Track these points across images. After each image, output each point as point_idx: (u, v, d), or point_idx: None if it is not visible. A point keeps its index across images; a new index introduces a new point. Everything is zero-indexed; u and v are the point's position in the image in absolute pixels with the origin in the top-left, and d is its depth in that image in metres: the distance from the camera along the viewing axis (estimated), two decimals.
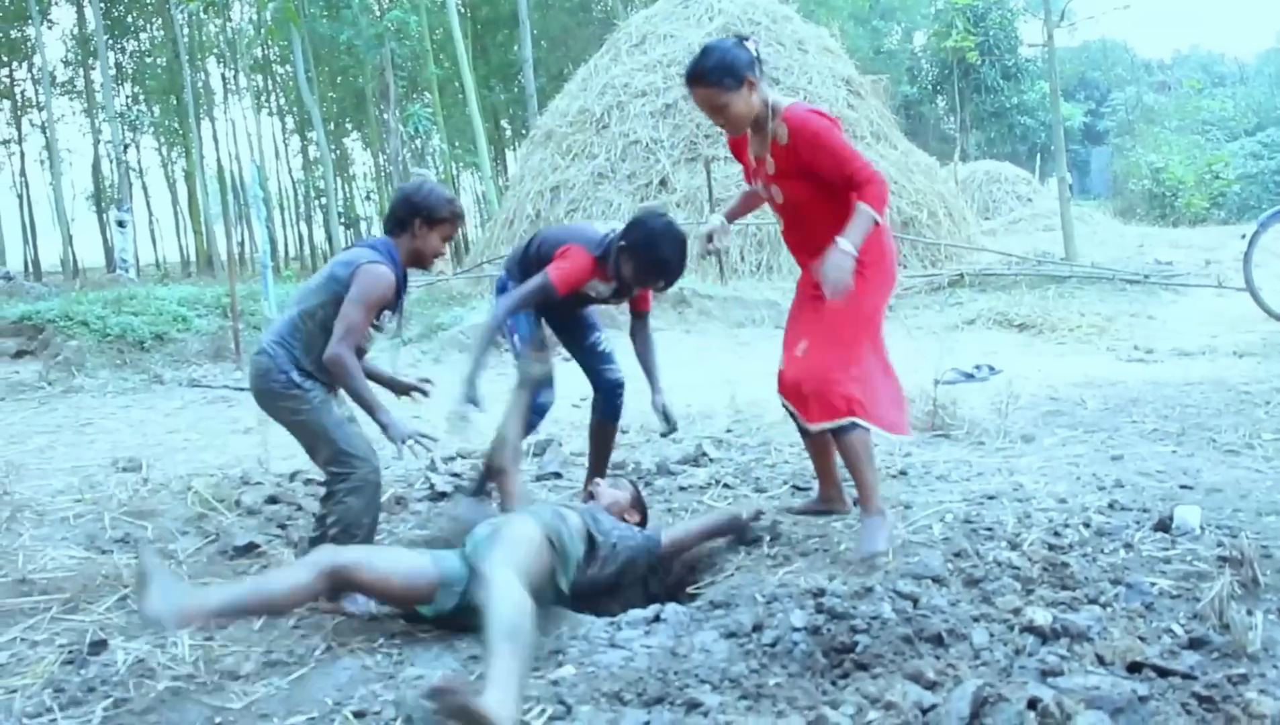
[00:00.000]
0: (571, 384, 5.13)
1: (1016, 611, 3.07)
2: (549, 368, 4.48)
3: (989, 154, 38.17)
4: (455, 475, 5.42)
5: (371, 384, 3.87)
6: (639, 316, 4.82)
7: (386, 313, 3.88)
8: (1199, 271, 14.33)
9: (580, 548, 3.56)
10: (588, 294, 4.62)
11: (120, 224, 22.95)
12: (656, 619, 3.23)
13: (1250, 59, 59.67)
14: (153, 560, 3.00)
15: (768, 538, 4.11)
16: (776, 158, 3.98)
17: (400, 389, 4.22)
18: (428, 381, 4.30)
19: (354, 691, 2.87)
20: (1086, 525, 4.03)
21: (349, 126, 42.24)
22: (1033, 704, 2.43)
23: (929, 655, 2.80)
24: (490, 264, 16.55)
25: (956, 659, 2.77)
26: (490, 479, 4.41)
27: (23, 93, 38.77)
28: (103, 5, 32.24)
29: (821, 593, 3.22)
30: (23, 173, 39.17)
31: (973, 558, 3.67)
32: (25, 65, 37.70)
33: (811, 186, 3.95)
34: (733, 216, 4.52)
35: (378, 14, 27.32)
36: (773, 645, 2.91)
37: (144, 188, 41.63)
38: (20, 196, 38.83)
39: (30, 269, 35.54)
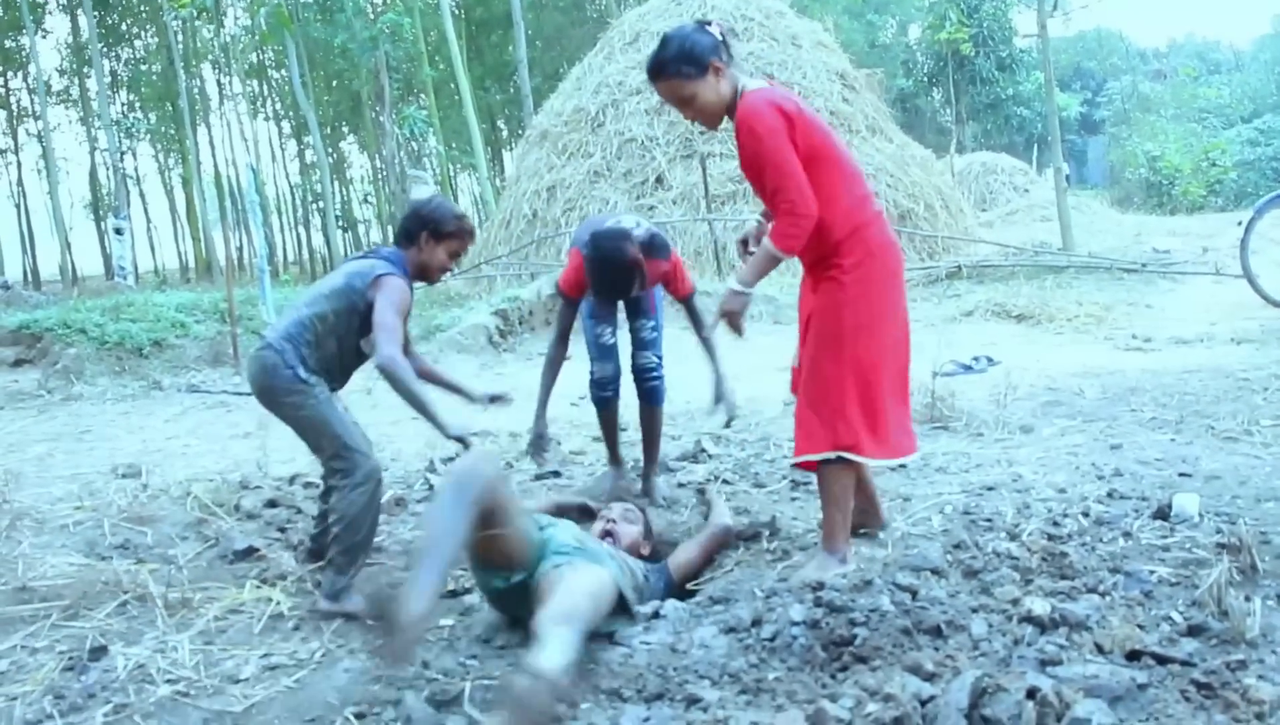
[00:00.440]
0: (569, 383, 5.12)
1: (1015, 602, 3.06)
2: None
3: (986, 145, 38.14)
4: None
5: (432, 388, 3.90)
6: (682, 302, 4.83)
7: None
8: (1196, 259, 14.33)
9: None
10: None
11: (118, 232, 22.92)
12: (656, 615, 3.23)
13: (1246, 45, 59.75)
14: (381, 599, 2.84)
15: (766, 533, 4.11)
16: (738, 147, 3.65)
17: (474, 398, 4.28)
18: (502, 397, 4.37)
19: (354, 693, 2.88)
20: (1085, 514, 4.04)
21: (345, 130, 42.23)
22: (1031, 693, 2.42)
23: (928, 647, 2.80)
24: (488, 264, 16.56)
25: (955, 650, 2.76)
26: None
27: (18, 102, 38.82)
28: (96, 13, 32.22)
29: (820, 586, 3.22)
30: (20, 182, 39.17)
31: (972, 549, 3.67)
32: (20, 75, 37.74)
33: (758, 183, 3.63)
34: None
35: (372, 17, 27.28)
36: (772, 640, 2.91)
37: (141, 195, 41.61)
38: (18, 206, 38.83)
39: (29, 278, 35.53)
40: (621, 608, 3.30)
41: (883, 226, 3.73)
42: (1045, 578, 3.31)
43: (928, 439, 5.70)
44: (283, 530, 4.56)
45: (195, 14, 29.31)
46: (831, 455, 3.60)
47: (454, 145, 35.48)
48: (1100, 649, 2.75)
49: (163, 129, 38.92)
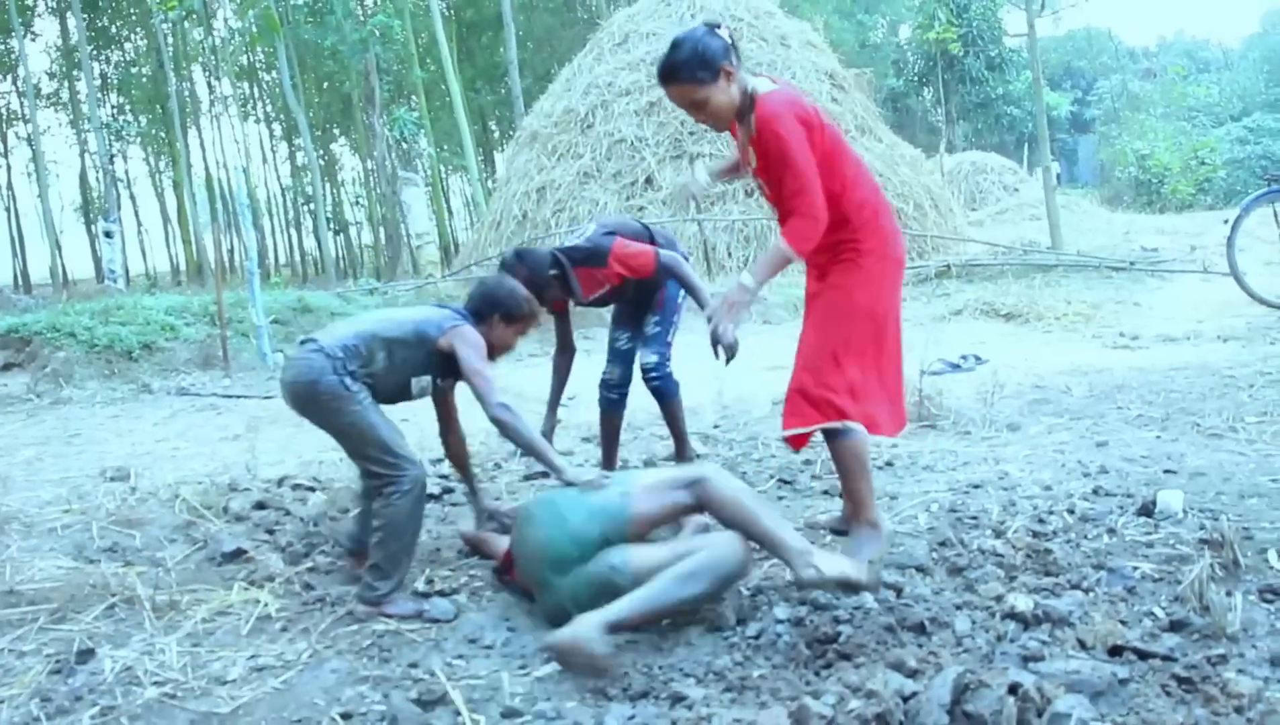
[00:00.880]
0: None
1: (999, 598, 3.09)
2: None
3: (976, 145, 38.23)
4: (443, 477, 5.43)
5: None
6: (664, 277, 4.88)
7: (426, 378, 3.93)
8: (1184, 257, 14.38)
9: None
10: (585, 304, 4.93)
11: (108, 235, 22.87)
12: None
13: (1235, 44, 59.89)
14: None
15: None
16: (755, 149, 3.70)
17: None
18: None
19: (341, 693, 2.89)
20: (1071, 512, 4.06)
21: (336, 132, 42.18)
22: (1013, 689, 2.44)
23: (911, 644, 2.82)
24: (478, 266, 16.56)
25: (939, 647, 2.78)
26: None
27: (7, 105, 38.67)
28: (86, 16, 32.16)
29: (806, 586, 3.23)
30: (9, 186, 39.05)
31: (957, 546, 3.70)
32: (9, 77, 37.61)
33: (778, 184, 3.66)
34: (718, 175, 4.24)
35: (362, 19, 27.25)
36: (756, 638, 2.93)
37: (132, 198, 41.54)
38: (7, 209, 38.68)
39: (18, 281, 35.43)
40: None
41: (892, 216, 3.87)
42: (1029, 574, 3.34)
43: (915, 437, 5.73)
44: (271, 532, 4.56)
45: (184, 15, 29.29)
46: (838, 425, 3.66)
47: (445, 147, 35.44)
48: (1082, 644, 2.77)
49: (153, 131, 38.81)
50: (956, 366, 7.88)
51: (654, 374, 4.91)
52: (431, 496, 5.09)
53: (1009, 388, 6.77)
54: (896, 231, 3.85)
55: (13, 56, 34.24)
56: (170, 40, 32.50)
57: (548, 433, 4.99)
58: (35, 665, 3.13)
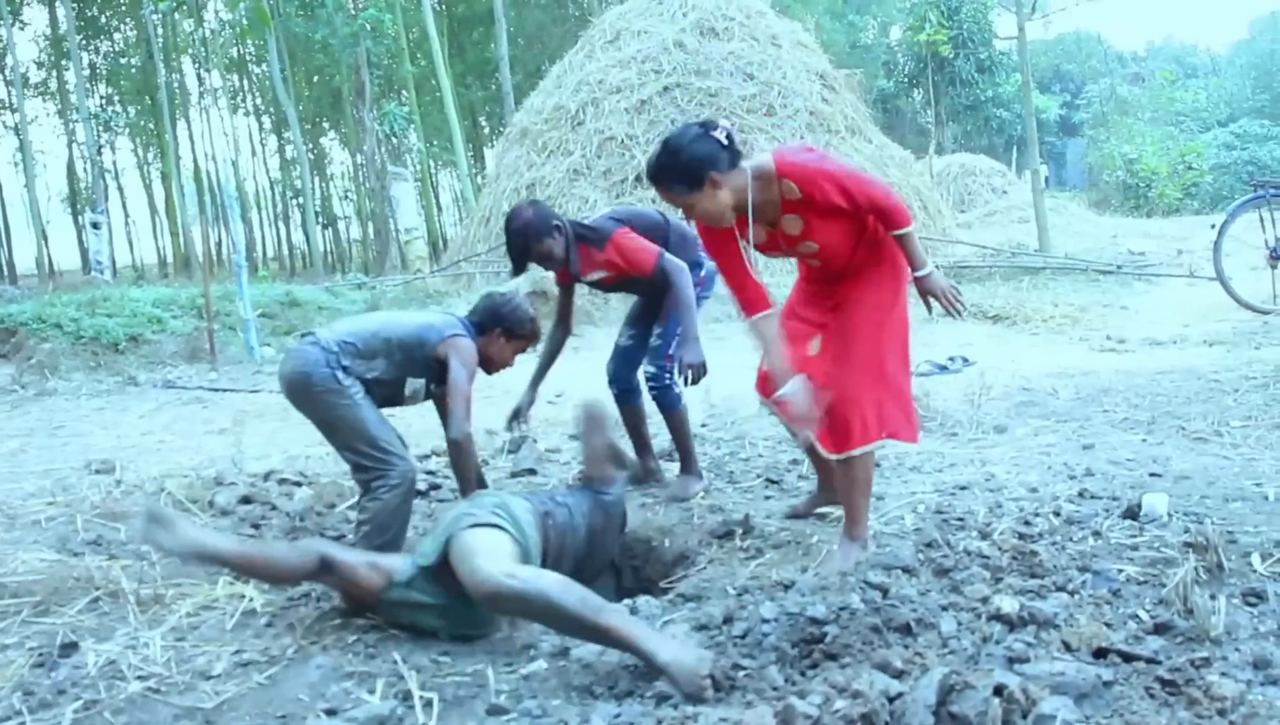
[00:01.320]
0: (550, 379, 5.13)
1: (985, 600, 3.09)
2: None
3: (965, 147, 38.27)
4: (430, 473, 5.42)
5: None
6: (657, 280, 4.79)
7: (420, 382, 3.94)
8: (1171, 261, 14.44)
9: (534, 534, 3.41)
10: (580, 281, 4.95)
11: (95, 226, 22.74)
12: (630, 612, 3.24)
13: (1223, 50, 60.18)
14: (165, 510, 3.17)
15: (740, 531, 4.13)
16: (798, 213, 3.61)
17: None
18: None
19: (326, 689, 2.88)
20: (1057, 514, 4.07)
21: (325, 126, 42.07)
22: (998, 690, 2.44)
23: (897, 644, 2.82)
24: (467, 262, 16.54)
25: (924, 648, 2.79)
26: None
27: None
28: (75, 5, 32.02)
29: (792, 585, 3.24)
30: None
31: (943, 548, 3.70)
32: None
33: (842, 222, 3.65)
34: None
35: (353, 12, 27.17)
36: (743, 637, 2.93)
37: (120, 189, 41.33)
38: None
39: (4, 272, 35.24)
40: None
41: None
42: (1015, 576, 3.34)
43: None
44: (256, 527, 4.56)
45: (175, 7, 29.19)
46: (861, 451, 3.70)
47: (435, 142, 35.40)
48: (1067, 647, 2.77)
49: (141, 123, 38.68)
50: (944, 368, 7.91)
51: (653, 385, 4.91)
52: (418, 492, 5.08)
53: (996, 389, 6.79)
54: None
55: (1, 45, 34.07)
56: (160, 31, 32.36)
57: (525, 406, 4.93)
58: (18, 658, 3.12)
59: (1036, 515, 4.07)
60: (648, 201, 15.31)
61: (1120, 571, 3.32)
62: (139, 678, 2.96)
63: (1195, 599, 2.90)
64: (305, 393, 3.72)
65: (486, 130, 40.73)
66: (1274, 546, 3.45)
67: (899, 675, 2.62)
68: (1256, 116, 38.13)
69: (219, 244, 35.30)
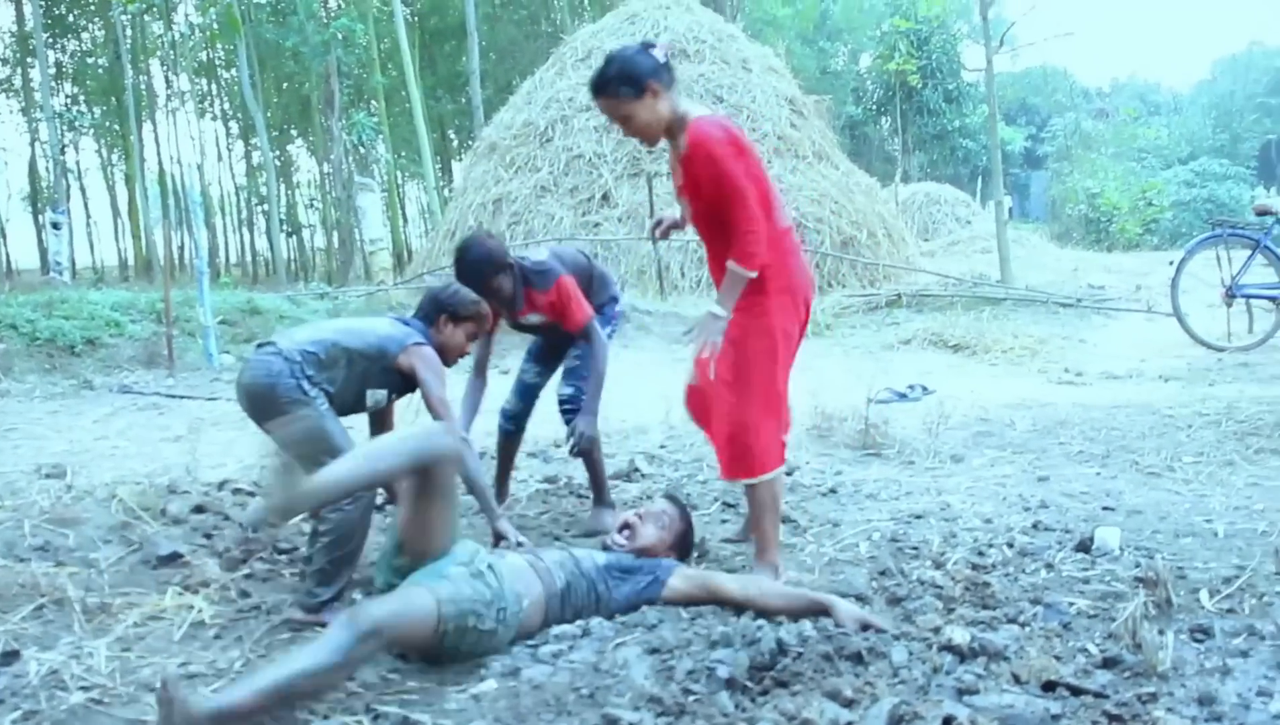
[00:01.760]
0: (504, 397, 5.11)
1: (936, 630, 3.11)
2: None
3: (931, 176, 38.57)
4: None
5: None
6: (579, 336, 4.78)
7: (382, 393, 3.92)
8: (1130, 296, 14.58)
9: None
10: (515, 323, 4.87)
11: (55, 226, 22.51)
12: (584, 634, 3.24)
13: (1185, 89, 61.09)
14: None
15: (695, 555, 4.12)
16: (682, 169, 3.80)
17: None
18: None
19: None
20: (1010, 545, 4.11)
21: (293, 133, 41.85)
22: (947, 722, 2.46)
23: (848, 673, 2.82)
24: (431, 275, 16.48)
25: (875, 677, 2.79)
26: None
27: None
28: (43, 3, 31.75)
29: (745, 610, 3.24)
30: None
31: (897, 576, 3.72)
32: None
33: (708, 204, 3.78)
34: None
35: (325, 21, 27.09)
36: (695, 662, 2.92)
37: (82, 190, 40.91)
38: None
39: None
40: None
41: (801, 256, 3.99)
42: (967, 607, 3.36)
43: (860, 465, 5.77)
44: (209, 537, 4.50)
45: (145, 8, 29.00)
46: (765, 478, 3.79)
47: (403, 154, 35.30)
48: (1017, 679, 2.79)
49: (107, 124, 38.32)
50: (903, 396, 7.94)
51: (569, 407, 4.76)
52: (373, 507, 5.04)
53: (954, 419, 6.83)
54: (805, 271, 3.97)
55: None
56: (129, 32, 32.12)
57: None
58: None
59: (990, 546, 4.10)
60: (614, 220, 15.35)
61: (1071, 604, 3.34)
62: (81, 688, 2.92)
63: (1144, 634, 2.93)
64: (269, 403, 3.67)
65: (455, 143, 40.69)
66: (1222, 583, 3.49)
67: (849, 704, 2.62)
68: (1216, 156, 38.72)
69: (181, 248, 35.02)
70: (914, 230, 25.18)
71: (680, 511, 3.96)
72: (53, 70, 35.18)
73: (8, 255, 33.43)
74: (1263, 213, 10.47)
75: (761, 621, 3.08)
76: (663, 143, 3.87)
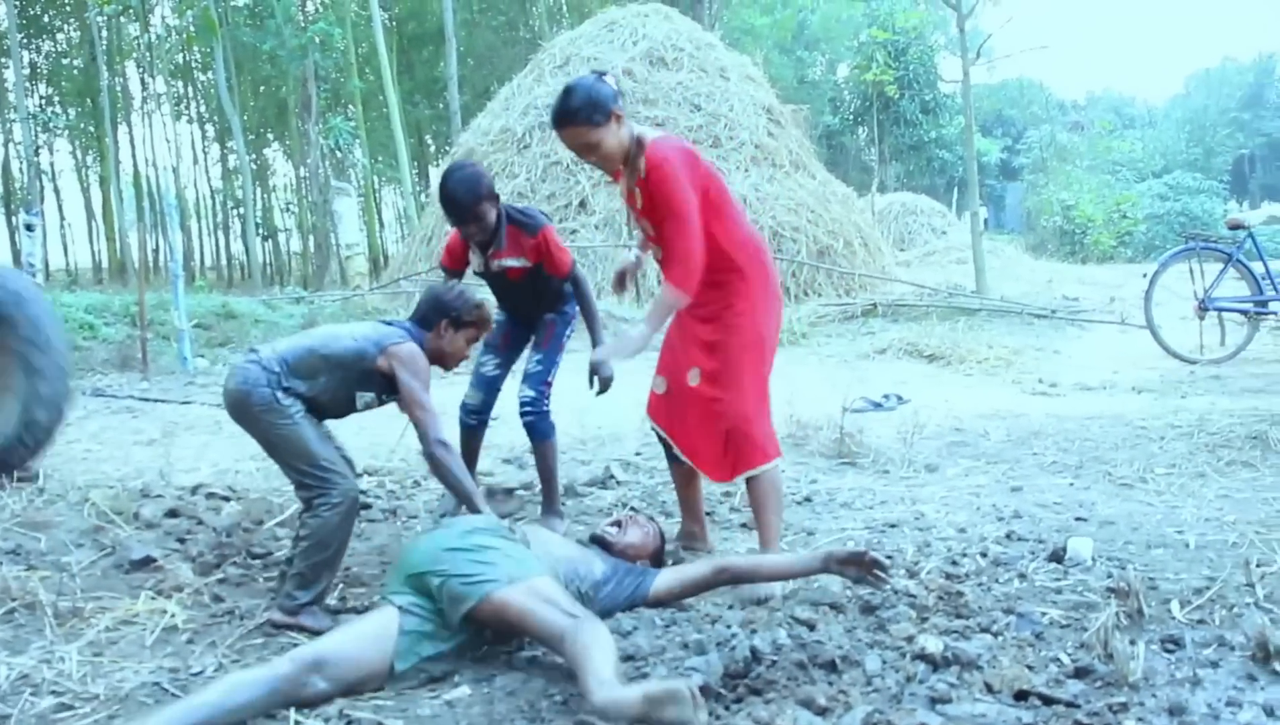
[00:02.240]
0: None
1: (910, 639, 3.12)
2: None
3: (908, 186, 38.70)
4: (361, 492, 5.36)
5: None
6: (568, 281, 4.85)
7: (370, 395, 3.88)
8: (1104, 308, 14.68)
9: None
10: (484, 268, 4.85)
11: (28, 227, 22.32)
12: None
13: (1160, 103, 61.63)
14: None
15: (670, 562, 4.12)
16: (641, 191, 3.92)
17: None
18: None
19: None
20: (984, 555, 4.13)
21: (269, 137, 41.68)
22: None
23: (822, 681, 2.83)
24: (407, 280, 16.45)
25: (849, 685, 2.80)
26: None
27: None
28: (17, 3, 31.54)
29: (719, 618, 3.25)
30: None
31: (871, 585, 3.72)
32: None
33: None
34: (643, 248, 4.50)
35: (302, 25, 27.03)
36: (669, 669, 2.92)
37: (56, 191, 40.60)
38: None
39: None
40: None
41: (769, 255, 4.18)
42: (941, 616, 3.37)
43: (835, 474, 5.79)
44: (182, 541, 4.48)
45: (120, 10, 28.86)
46: (767, 467, 3.95)
47: (379, 158, 35.23)
48: (990, 688, 2.80)
49: (82, 125, 38.10)
50: (878, 405, 7.97)
51: (529, 410, 4.81)
52: (364, 506, 5.03)
53: (929, 428, 6.86)
54: (774, 269, 4.15)
55: None
56: (104, 34, 31.96)
57: None
58: None
59: (964, 556, 4.12)
60: (591, 228, 15.35)
61: (1044, 614, 3.36)
62: (52, 692, 2.91)
63: (1115, 644, 2.95)
64: (245, 411, 3.69)
65: (432, 149, 40.60)
66: (1193, 594, 3.52)
67: (823, 712, 2.63)
68: (1189, 169, 39.05)
69: (156, 251, 34.80)
70: (890, 240, 25.27)
71: (660, 530, 4.01)
72: (27, 71, 34.94)
73: None
74: (1235, 227, 10.55)
75: (736, 629, 3.08)
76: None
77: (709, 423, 3.98)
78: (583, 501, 5.28)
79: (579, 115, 3.77)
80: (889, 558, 4.10)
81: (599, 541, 3.82)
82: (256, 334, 11.77)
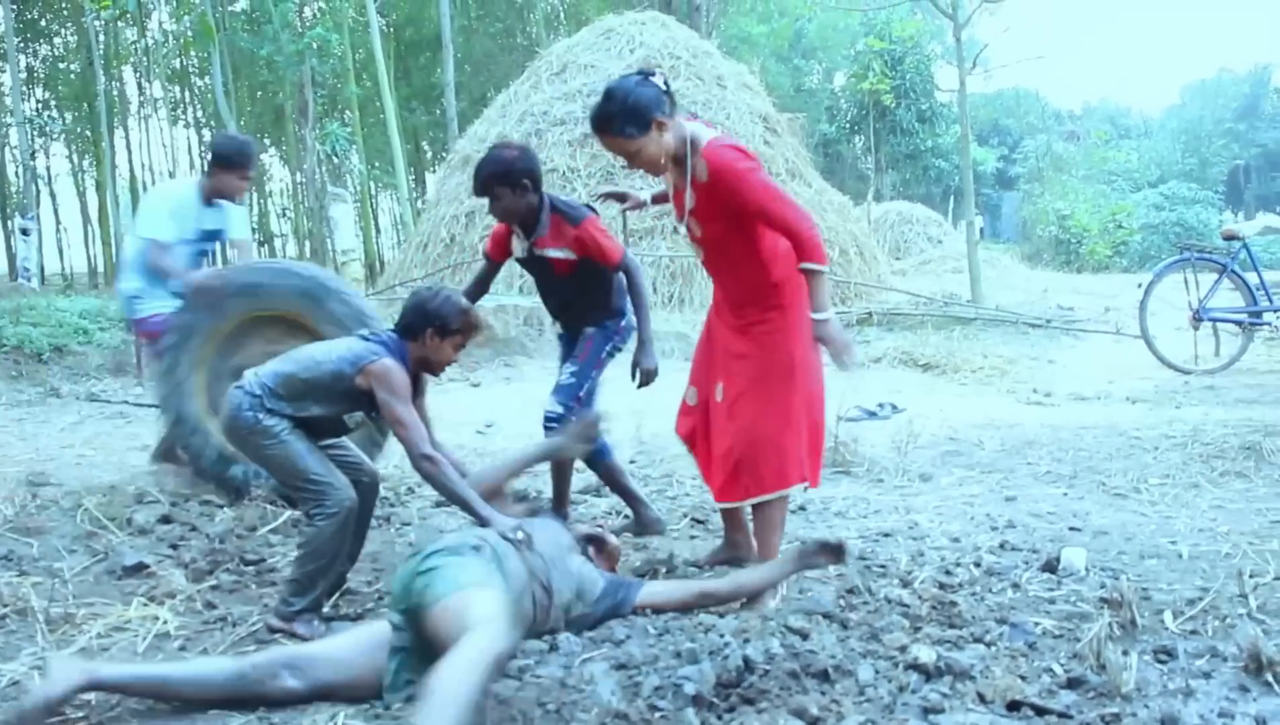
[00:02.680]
0: (477, 410, 5.10)
1: (903, 649, 3.12)
2: None
3: (904, 195, 38.73)
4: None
5: None
6: (620, 272, 4.65)
7: (360, 414, 3.88)
8: (1099, 318, 14.70)
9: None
10: (528, 255, 4.68)
11: (24, 232, 22.35)
12: (551, 649, 3.23)
13: (1155, 114, 61.74)
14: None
15: (663, 570, 4.12)
16: (697, 193, 3.76)
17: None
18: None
19: (234, 719, 2.83)
20: (977, 564, 4.13)
21: (266, 142, 41.60)
22: None
23: (814, 691, 2.83)
24: (403, 286, 16.43)
25: (841, 695, 2.80)
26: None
27: None
28: (15, 7, 31.52)
29: (712, 627, 3.25)
30: None
31: (864, 594, 3.73)
32: None
33: (730, 225, 3.76)
34: (655, 201, 4.48)
35: (299, 30, 27.00)
36: (661, 678, 2.92)
37: (52, 196, 40.50)
38: None
39: None
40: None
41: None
42: (934, 626, 3.37)
43: (829, 483, 5.78)
44: (175, 547, 4.47)
45: (117, 15, 28.83)
46: (775, 496, 3.83)
47: (376, 164, 35.15)
48: (982, 698, 2.80)
49: (78, 130, 38.05)
50: (873, 414, 7.97)
51: (553, 426, 4.58)
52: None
53: (923, 438, 6.86)
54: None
55: None
56: (102, 38, 31.94)
57: None
58: None
59: (958, 565, 4.12)
60: None
61: (1037, 624, 3.36)
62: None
63: (1108, 655, 2.95)
64: (236, 435, 3.75)
65: (429, 155, 40.54)
66: (1186, 604, 3.52)
67: (815, 722, 2.63)
68: (1185, 180, 39.08)
69: None
70: (886, 249, 25.29)
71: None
72: (24, 75, 34.90)
73: None
74: (1230, 237, 10.56)
75: (728, 638, 3.08)
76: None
77: (723, 441, 3.90)
78: (576, 508, 5.27)
79: (612, 127, 3.67)
80: (882, 567, 4.11)
81: (594, 540, 3.82)
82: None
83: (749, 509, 4.00)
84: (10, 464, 6.20)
